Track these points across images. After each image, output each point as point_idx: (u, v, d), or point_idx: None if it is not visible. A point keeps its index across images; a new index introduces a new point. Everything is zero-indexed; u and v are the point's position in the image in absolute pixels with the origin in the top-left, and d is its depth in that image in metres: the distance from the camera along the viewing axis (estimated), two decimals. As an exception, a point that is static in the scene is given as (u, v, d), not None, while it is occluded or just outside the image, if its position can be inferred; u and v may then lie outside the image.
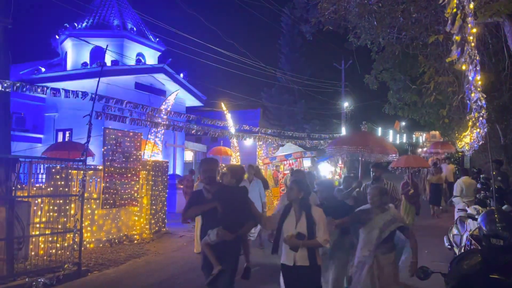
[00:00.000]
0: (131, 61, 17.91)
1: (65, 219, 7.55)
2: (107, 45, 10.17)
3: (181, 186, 14.33)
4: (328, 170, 19.22)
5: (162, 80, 18.54)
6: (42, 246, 7.31)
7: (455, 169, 16.04)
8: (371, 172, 6.66)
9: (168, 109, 13.14)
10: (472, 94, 5.39)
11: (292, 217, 3.95)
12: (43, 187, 7.88)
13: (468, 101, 6.10)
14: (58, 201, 7.63)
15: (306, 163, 16.87)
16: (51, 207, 7.59)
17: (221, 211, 4.05)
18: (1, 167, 6.47)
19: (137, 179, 10.04)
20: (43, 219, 7.51)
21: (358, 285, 4.32)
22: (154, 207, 10.64)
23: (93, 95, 9.00)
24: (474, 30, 4.02)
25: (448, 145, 18.46)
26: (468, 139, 12.01)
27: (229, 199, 4.13)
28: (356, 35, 10.27)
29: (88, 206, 9.00)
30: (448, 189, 14.68)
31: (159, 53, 20.30)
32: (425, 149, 31.29)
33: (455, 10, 3.48)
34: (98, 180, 9.31)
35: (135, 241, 9.87)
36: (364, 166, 8.85)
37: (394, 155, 7.16)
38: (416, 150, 38.96)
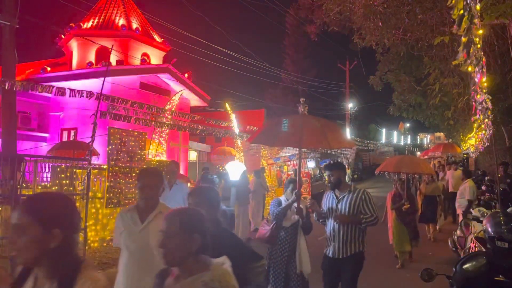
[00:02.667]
0: (136, 61, 17.96)
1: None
2: (112, 45, 10.22)
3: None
4: (241, 171, 11.63)
5: (167, 80, 18.59)
6: (46, 244, 7.34)
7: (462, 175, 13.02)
8: (328, 176, 4.51)
9: (173, 109, 13.19)
10: (478, 96, 5.38)
11: None
12: (48, 185, 7.92)
13: (473, 103, 6.09)
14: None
15: (310, 165, 16.87)
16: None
17: None
18: (7, 166, 6.52)
19: (141, 178, 10.05)
20: (48, 218, 7.54)
21: None
22: (158, 206, 10.65)
23: (98, 95, 9.04)
24: (480, 31, 4.01)
25: (453, 146, 16.01)
26: (473, 141, 11.97)
27: None
28: (361, 36, 10.26)
29: (93, 205, 9.03)
30: (450, 201, 11.72)
31: (164, 53, 20.35)
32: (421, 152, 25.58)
33: (462, 11, 3.47)
34: (103, 179, 9.35)
35: (139, 241, 9.89)
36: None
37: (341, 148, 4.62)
38: (415, 152, 38.21)
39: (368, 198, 4.25)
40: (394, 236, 7.76)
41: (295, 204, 4.35)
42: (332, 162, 4.64)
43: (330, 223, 4.33)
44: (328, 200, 4.46)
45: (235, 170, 12.10)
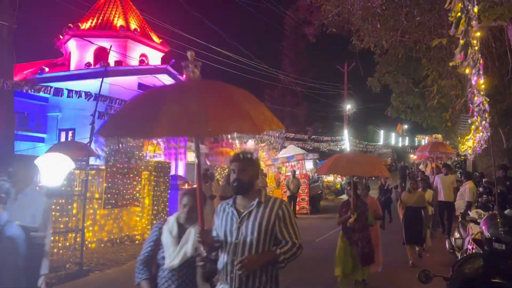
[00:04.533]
0: (134, 61, 17.95)
1: (67, 219, 7.56)
2: (110, 46, 10.22)
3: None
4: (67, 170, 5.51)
5: (165, 81, 18.56)
6: (44, 245, 7.32)
7: (457, 181, 10.75)
8: (234, 172, 2.68)
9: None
10: (475, 98, 5.40)
11: None
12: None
13: (471, 105, 6.11)
14: (60, 201, 7.65)
15: (308, 165, 16.87)
16: (53, 207, 7.61)
17: None
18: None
19: (139, 179, 10.06)
20: (45, 219, 7.52)
21: None
22: (156, 207, 10.64)
23: (96, 95, 9.04)
24: (478, 33, 4.03)
25: (443, 145, 13.09)
26: (471, 143, 11.99)
27: None
28: (359, 38, 10.28)
29: (90, 206, 9.01)
30: (443, 213, 10.02)
31: (162, 54, 20.34)
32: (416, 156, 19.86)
33: (459, 14, 3.48)
34: (101, 180, 9.33)
35: (137, 242, 9.88)
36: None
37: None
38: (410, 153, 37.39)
39: (288, 214, 2.56)
40: (337, 263, 5.71)
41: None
42: (247, 152, 2.71)
43: (224, 259, 2.52)
44: (224, 220, 2.62)
45: (51, 167, 5.00)
